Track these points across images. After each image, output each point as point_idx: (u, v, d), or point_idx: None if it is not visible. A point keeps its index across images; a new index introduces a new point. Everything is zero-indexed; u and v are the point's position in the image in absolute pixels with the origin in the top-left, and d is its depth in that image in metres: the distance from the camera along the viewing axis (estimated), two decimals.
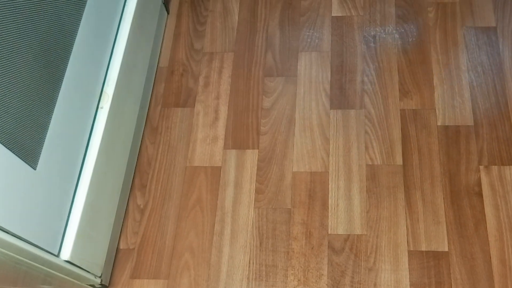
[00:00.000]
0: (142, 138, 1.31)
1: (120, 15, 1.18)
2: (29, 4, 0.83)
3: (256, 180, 1.23)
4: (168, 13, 1.48)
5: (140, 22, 1.24)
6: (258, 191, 1.22)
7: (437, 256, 1.13)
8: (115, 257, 1.18)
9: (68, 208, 0.98)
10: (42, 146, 0.88)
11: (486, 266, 1.11)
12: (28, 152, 0.84)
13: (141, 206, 1.23)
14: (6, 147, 0.78)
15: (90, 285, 1.09)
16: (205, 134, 1.30)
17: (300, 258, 1.15)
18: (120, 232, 1.20)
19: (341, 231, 1.17)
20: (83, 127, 1.02)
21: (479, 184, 1.19)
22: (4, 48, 0.77)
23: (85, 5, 1.02)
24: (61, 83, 0.94)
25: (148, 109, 1.35)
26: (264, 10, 1.47)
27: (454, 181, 1.20)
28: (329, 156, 1.25)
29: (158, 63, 1.41)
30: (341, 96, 1.32)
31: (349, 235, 1.16)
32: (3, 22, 0.77)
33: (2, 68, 0.77)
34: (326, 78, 1.35)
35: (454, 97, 1.30)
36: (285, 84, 1.35)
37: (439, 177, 1.21)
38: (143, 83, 1.29)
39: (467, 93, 1.31)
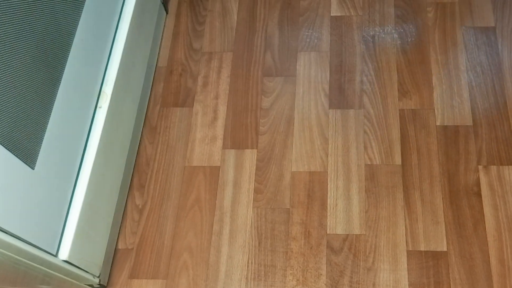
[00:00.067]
0: (140, 138, 1.31)
1: (118, 14, 1.18)
2: (27, 4, 0.83)
3: (255, 180, 1.23)
4: (167, 13, 1.48)
5: (139, 22, 1.24)
6: (257, 191, 1.22)
7: (436, 256, 1.13)
8: (113, 257, 1.18)
9: (67, 208, 0.97)
10: (40, 146, 0.88)
11: (485, 266, 1.11)
12: (26, 152, 0.84)
13: (140, 206, 1.23)
14: (4, 146, 0.78)
15: (89, 285, 1.09)
16: (204, 134, 1.30)
17: (299, 258, 1.15)
18: (119, 232, 1.20)
19: (340, 231, 1.17)
20: (81, 127, 1.02)
21: (478, 184, 1.19)
22: (2, 48, 0.77)
23: (84, 4, 1.02)
24: (60, 83, 0.93)
25: (147, 108, 1.34)
26: (263, 10, 1.47)
27: (453, 181, 1.20)
28: (328, 156, 1.25)
29: (156, 62, 1.41)
30: (340, 96, 1.32)
31: (348, 235, 1.16)
32: (0, 22, 0.76)
33: (0, 67, 0.76)
34: (325, 78, 1.35)
35: (453, 97, 1.30)
36: (284, 84, 1.35)
37: (438, 177, 1.21)
38: (141, 82, 1.28)
39: (466, 93, 1.31)
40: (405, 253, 1.14)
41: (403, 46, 1.39)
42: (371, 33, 1.41)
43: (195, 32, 1.45)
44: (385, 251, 1.14)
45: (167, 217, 1.21)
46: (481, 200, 1.18)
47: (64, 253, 0.95)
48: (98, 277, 1.09)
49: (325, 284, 1.12)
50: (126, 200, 1.23)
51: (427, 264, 1.12)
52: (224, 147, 1.28)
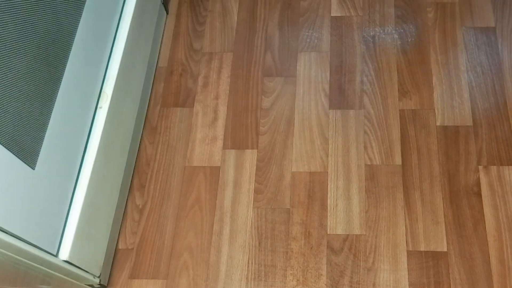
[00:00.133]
0: (141, 138, 1.31)
1: (119, 15, 1.18)
2: (28, 4, 0.83)
3: (255, 180, 1.23)
4: (167, 13, 1.48)
5: (139, 22, 1.24)
6: (257, 191, 1.22)
7: (436, 256, 1.13)
8: (114, 257, 1.18)
9: (67, 208, 0.97)
10: (41, 146, 0.88)
11: (485, 266, 1.11)
12: (27, 152, 0.84)
13: (140, 206, 1.23)
14: (5, 147, 0.78)
15: (89, 285, 1.09)
16: (204, 134, 1.30)
17: (299, 258, 1.15)
18: (119, 232, 1.20)
19: (340, 231, 1.17)
20: (82, 127, 1.02)
21: (478, 184, 1.19)
22: (3, 48, 0.77)
23: (84, 4, 1.02)
24: (60, 82, 0.94)
25: (147, 109, 1.34)
26: (264, 10, 1.47)
27: (453, 181, 1.20)
28: (328, 156, 1.25)
29: (157, 63, 1.41)
30: (340, 96, 1.32)
31: (348, 235, 1.16)
32: (2, 22, 0.77)
33: (0, 68, 0.77)
34: (325, 78, 1.35)
35: (453, 97, 1.30)
36: (284, 84, 1.35)
37: (438, 177, 1.21)
38: (142, 83, 1.28)
39: (466, 93, 1.31)
40: (405, 253, 1.14)
41: (403, 46, 1.39)
42: (371, 34, 1.41)
43: (195, 32, 1.45)
44: (385, 251, 1.14)
45: (167, 217, 1.21)
46: (481, 200, 1.18)
47: (64, 253, 0.95)
48: (99, 277, 1.09)
49: (325, 284, 1.12)
50: (127, 200, 1.23)
51: (427, 264, 1.12)
52: (225, 147, 1.28)
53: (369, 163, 1.23)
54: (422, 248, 1.14)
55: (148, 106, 1.35)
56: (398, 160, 1.23)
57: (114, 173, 1.13)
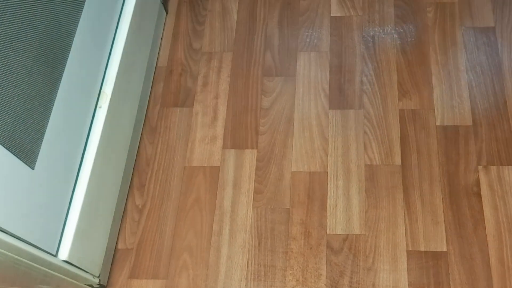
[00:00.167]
0: (140, 138, 1.31)
1: (118, 14, 1.18)
2: (27, 4, 0.83)
3: (255, 180, 1.23)
4: (166, 13, 1.48)
5: (139, 22, 1.24)
6: (256, 191, 1.22)
7: (435, 256, 1.13)
8: (113, 257, 1.18)
9: (66, 208, 0.97)
10: (40, 145, 0.88)
11: (484, 266, 1.11)
12: (26, 152, 0.84)
13: (140, 206, 1.23)
14: (4, 146, 0.78)
15: (88, 285, 1.09)
16: (203, 134, 1.30)
17: (298, 258, 1.15)
18: (119, 232, 1.20)
19: (339, 231, 1.17)
20: (81, 127, 1.02)
21: (477, 184, 1.19)
22: (2, 48, 0.77)
23: (84, 4, 1.02)
24: (60, 82, 0.93)
25: (147, 108, 1.34)
26: (263, 10, 1.47)
27: (453, 181, 1.20)
28: (328, 156, 1.25)
29: (156, 62, 1.41)
30: (340, 96, 1.32)
31: (347, 235, 1.16)
32: (1, 22, 0.76)
33: (0, 68, 0.76)
34: (325, 78, 1.35)
35: (453, 97, 1.30)
36: (284, 84, 1.35)
37: (438, 177, 1.21)
38: (141, 82, 1.28)
39: (466, 93, 1.31)
40: (405, 253, 1.14)
41: (403, 46, 1.39)
42: (371, 33, 1.41)
43: (195, 32, 1.45)
44: (385, 251, 1.14)
45: (167, 217, 1.21)
46: (481, 200, 1.18)
47: (64, 253, 0.95)
48: (98, 277, 1.09)
49: (325, 284, 1.12)
50: (126, 200, 1.23)
51: (427, 264, 1.12)
52: (224, 147, 1.28)
53: (368, 163, 1.23)
54: (422, 248, 1.14)
55: (147, 106, 1.35)
56: (398, 160, 1.23)
57: (113, 173, 1.13)
